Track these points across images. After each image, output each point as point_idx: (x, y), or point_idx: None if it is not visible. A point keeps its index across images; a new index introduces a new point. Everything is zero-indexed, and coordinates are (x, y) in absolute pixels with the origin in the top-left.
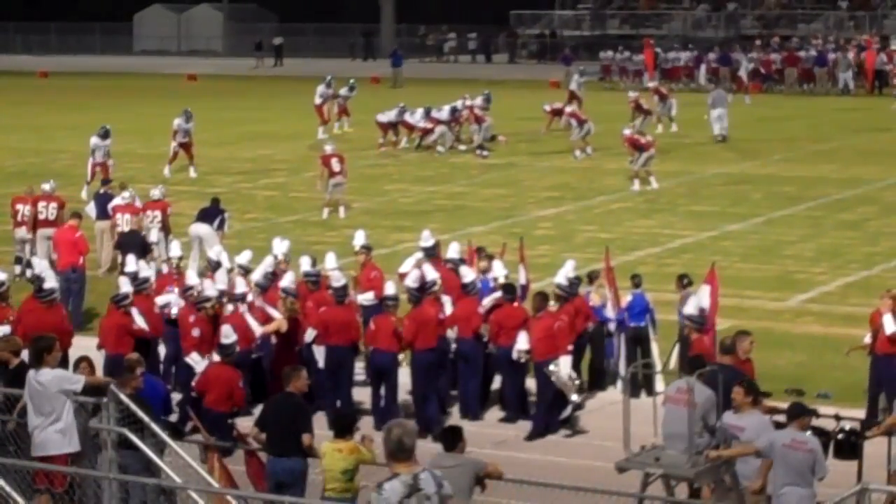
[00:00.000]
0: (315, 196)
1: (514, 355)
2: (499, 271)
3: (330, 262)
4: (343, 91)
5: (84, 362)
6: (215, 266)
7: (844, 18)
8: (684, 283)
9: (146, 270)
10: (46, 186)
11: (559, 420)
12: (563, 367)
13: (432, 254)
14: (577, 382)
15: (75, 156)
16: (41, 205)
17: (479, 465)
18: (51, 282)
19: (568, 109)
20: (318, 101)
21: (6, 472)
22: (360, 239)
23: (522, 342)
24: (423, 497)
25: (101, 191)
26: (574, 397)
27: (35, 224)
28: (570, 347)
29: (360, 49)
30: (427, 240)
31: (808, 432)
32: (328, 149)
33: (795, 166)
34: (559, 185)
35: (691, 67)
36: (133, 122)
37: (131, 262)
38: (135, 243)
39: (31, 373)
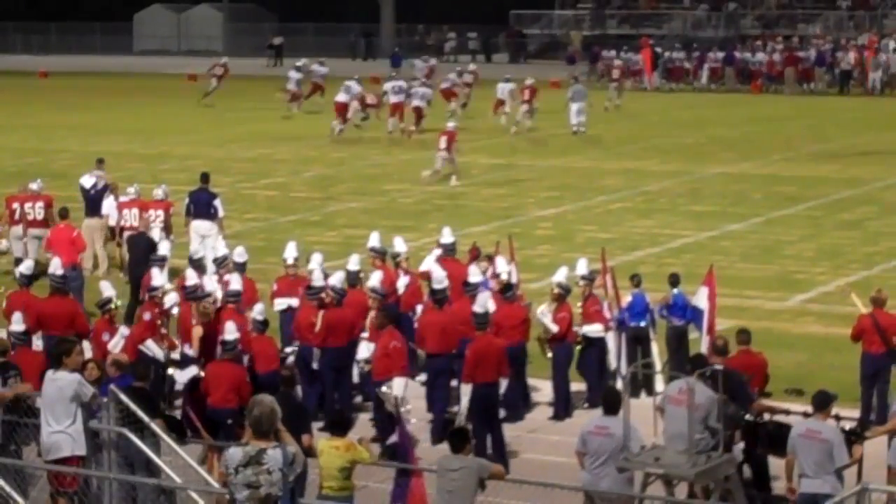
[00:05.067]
0: (315, 196)
1: (357, 367)
2: (502, 268)
3: (314, 262)
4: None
5: (90, 363)
6: (241, 267)
7: (844, 18)
8: (671, 281)
9: (159, 278)
10: (34, 186)
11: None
12: (395, 388)
13: (451, 251)
14: (408, 408)
15: (75, 156)
16: (28, 205)
17: (484, 466)
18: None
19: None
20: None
21: (6, 471)
22: (372, 241)
23: (363, 351)
24: (262, 471)
25: (92, 191)
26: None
27: (25, 224)
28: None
29: (360, 49)
30: (447, 237)
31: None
32: (449, 125)
33: (795, 166)
34: (559, 185)
35: (695, 68)
36: (133, 122)
37: (157, 276)
38: (142, 245)
39: (49, 373)
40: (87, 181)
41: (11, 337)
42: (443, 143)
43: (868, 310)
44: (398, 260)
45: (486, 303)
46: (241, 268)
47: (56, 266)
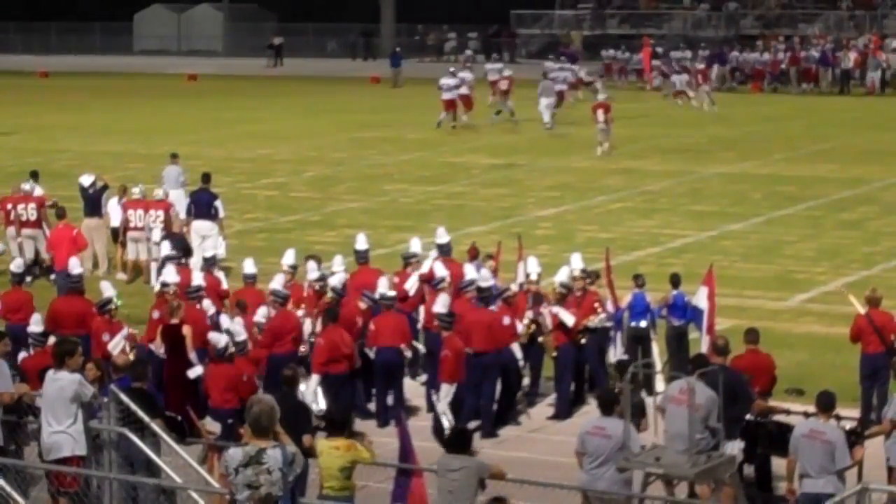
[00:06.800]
0: (315, 196)
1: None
2: (533, 268)
3: (311, 270)
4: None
5: (90, 363)
6: (251, 278)
7: (844, 18)
8: (672, 281)
9: (172, 275)
10: (26, 186)
11: None
12: (310, 387)
13: (447, 251)
14: (320, 408)
15: (75, 156)
16: (20, 206)
17: (484, 467)
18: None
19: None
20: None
21: (6, 471)
22: (358, 243)
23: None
24: (263, 470)
25: (90, 190)
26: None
27: (18, 225)
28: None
29: (360, 49)
30: (442, 237)
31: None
32: (600, 97)
33: (795, 166)
34: (559, 185)
35: (706, 69)
36: (133, 122)
37: (170, 273)
38: (178, 246)
39: (50, 373)
40: (86, 180)
41: (30, 338)
42: (600, 116)
43: (865, 309)
44: (413, 261)
45: (447, 303)
46: (251, 278)
47: (74, 266)
